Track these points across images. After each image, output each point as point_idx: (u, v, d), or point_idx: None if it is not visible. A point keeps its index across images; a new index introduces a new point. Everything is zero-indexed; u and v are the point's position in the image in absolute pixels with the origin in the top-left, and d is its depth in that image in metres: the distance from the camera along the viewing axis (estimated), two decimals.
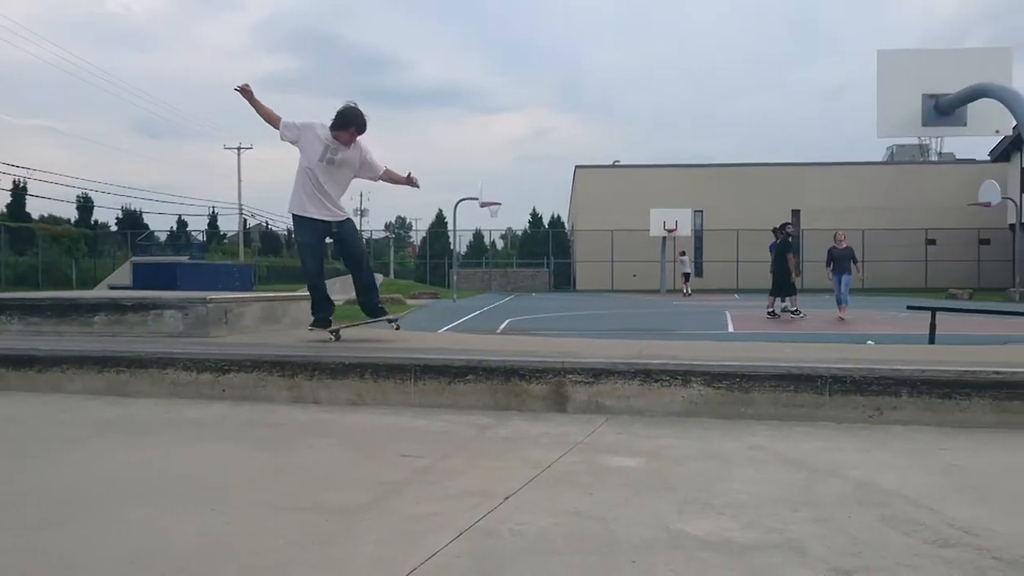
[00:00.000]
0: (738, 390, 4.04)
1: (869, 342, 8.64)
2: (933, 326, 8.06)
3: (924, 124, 10.35)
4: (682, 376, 4.11)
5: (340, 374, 4.49)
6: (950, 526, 2.34)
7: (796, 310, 15.29)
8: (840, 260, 15.56)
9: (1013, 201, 32.05)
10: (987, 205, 28.16)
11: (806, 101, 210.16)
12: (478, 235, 55.02)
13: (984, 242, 40.12)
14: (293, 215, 5.56)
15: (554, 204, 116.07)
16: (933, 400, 3.84)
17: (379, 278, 36.50)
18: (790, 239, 15.64)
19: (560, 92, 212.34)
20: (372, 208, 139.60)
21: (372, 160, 5.69)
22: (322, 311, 5.68)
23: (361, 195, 76.25)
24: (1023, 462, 3.19)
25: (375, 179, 5.82)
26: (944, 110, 10.18)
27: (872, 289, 29.30)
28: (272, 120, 5.49)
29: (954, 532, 2.29)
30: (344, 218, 5.63)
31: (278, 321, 6.87)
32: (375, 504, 2.57)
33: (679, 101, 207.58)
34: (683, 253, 32.78)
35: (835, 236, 16.02)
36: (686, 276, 31.45)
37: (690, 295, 29.93)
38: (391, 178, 5.89)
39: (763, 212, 38.27)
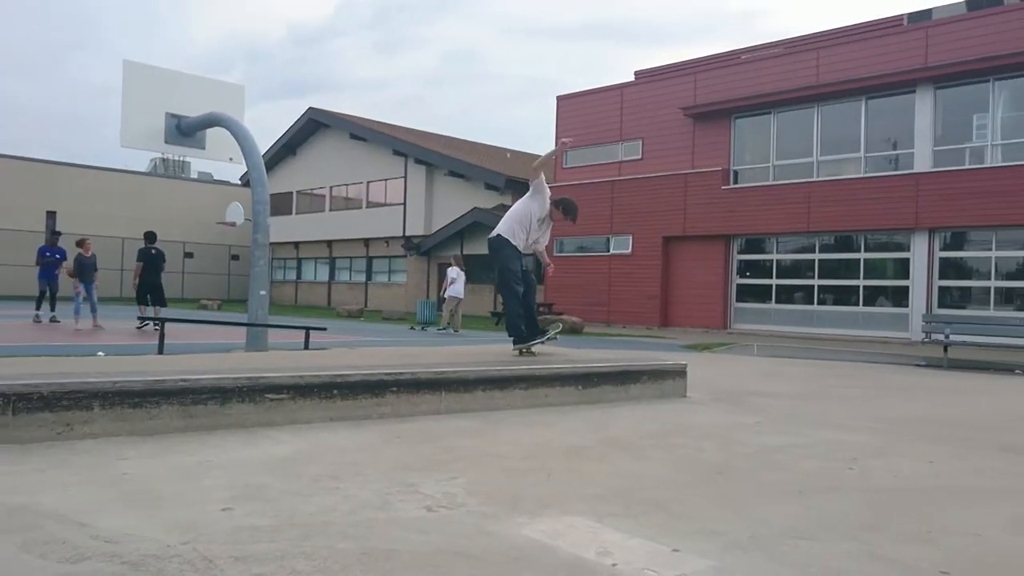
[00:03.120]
0: None
1: (100, 353, 8.43)
2: (162, 335, 8.35)
3: (167, 141, 10.72)
4: None
5: None
6: (94, 538, 2.38)
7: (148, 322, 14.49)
8: (87, 269, 14.95)
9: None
10: (232, 225, 31.01)
11: (74, 96, 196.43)
12: None
13: (235, 258, 43.96)
14: (503, 238, 6.70)
15: None
16: (125, 410, 3.92)
17: None
18: (152, 250, 15.20)
19: None
20: None
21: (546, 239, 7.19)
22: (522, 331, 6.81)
23: None
24: (194, 461, 3.50)
25: (536, 249, 7.13)
26: (186, 131, 10.74)
27: (129, 298, 28.96)
28: (537, 171, 6.82)
29: (96, 544, 2.33)
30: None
31: None
32: None
33: None
34: None
35: (82, 244, 15.29)
36: None
37: None
38: (540, 254, 7.29)
39: (14, 211, 34.21)
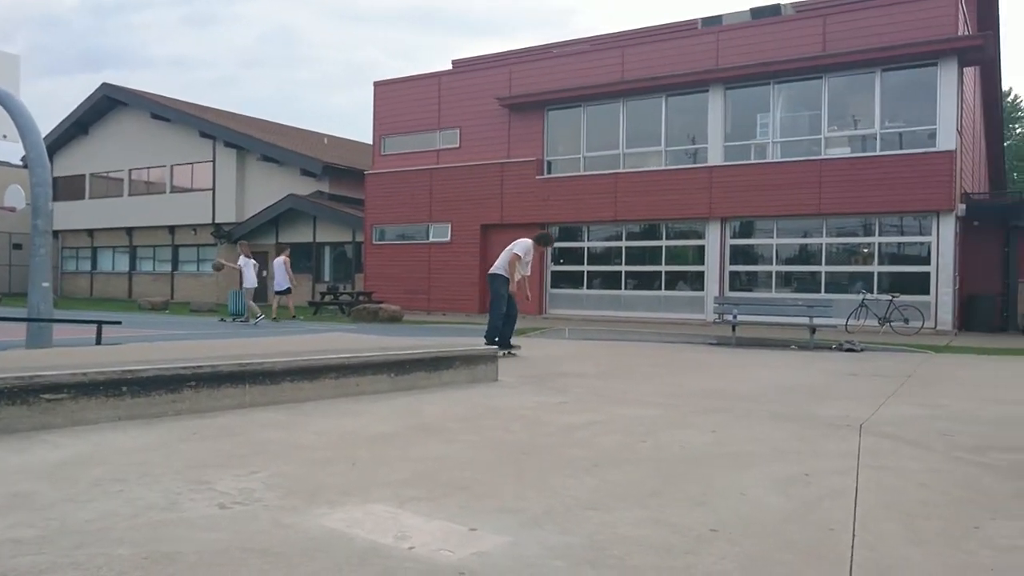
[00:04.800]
0: None
1: None
2: None
3: None
4: None
5: None
6: None
7: None
8: None
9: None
10: (11, 210, 27.90)
11: None
12: None
13: (16, 247, 39.62)
14: (501, 275, 9.77)
15: None
16: None
17: None
18: None
19: None
20: None
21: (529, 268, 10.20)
22: (504, 339, 9.66)
23: None
24: None
25: (524, 274, 9.95)
26: None
27: None
28: (513, 262, 9.76)
29: None
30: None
31: None
32: None
33: None
34: None
35: None
36: None
37: None
38: (524, 278, 10.04)
39: None
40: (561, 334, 14.54)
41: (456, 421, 4.80)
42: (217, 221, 30.77)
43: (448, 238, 22.71)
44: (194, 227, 31.79)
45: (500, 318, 9.64)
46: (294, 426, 4.40)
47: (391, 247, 23.92)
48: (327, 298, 22.53)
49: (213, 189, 31.05)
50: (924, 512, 3.07)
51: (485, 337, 9.63)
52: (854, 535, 2.72)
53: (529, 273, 10.20)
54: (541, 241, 10.47)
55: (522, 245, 9.96)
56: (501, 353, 9.06)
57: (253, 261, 18.36)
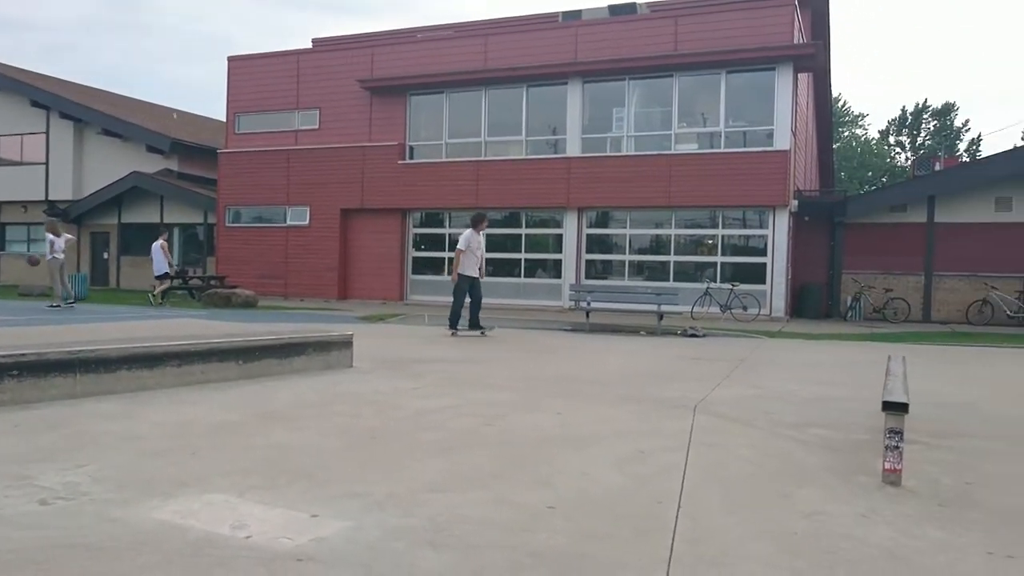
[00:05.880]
0: None
1: None
2: None
3: None
4: None
5: None
6: None
7: None
8: None
9: None
10: None
11: None
12: None
13: None
14: (461, 273, 11.15)
15: None
16: None
17: None
18: None
19: None
20: None
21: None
22: (459, 323, 11.10)
23: None
24: None
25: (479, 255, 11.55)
26: None
27: None
28: (458, 256, 11.18)
29: None
30: (478, 275, 11.41)
31: None
32: None
33: None
34: None
35: None
36: None
37: None
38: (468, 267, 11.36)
39: None
40: (421, 320, 14.54)
41: (305, 408, 4.73)
42: (51, 198, 28.45)
43: (307, 222, 22.11)
44: (24, 204, 29.25)
45: (460, 306, 11.24)
46: (130, 416, 4.20)
47: (246, 230, 23.01)
48: (176, 282, 21.36)
49: (47, 163, 28.66)
50: (743, 484, 3.35)
51: (449, 320, 11.35)
52: (679, 507, 2.93)
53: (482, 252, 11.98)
54: (475, 222, 11.64)
55: (462, 239, 11.33)
56: (475, 333, 11.19)
57: (67, 236, 17.15)
